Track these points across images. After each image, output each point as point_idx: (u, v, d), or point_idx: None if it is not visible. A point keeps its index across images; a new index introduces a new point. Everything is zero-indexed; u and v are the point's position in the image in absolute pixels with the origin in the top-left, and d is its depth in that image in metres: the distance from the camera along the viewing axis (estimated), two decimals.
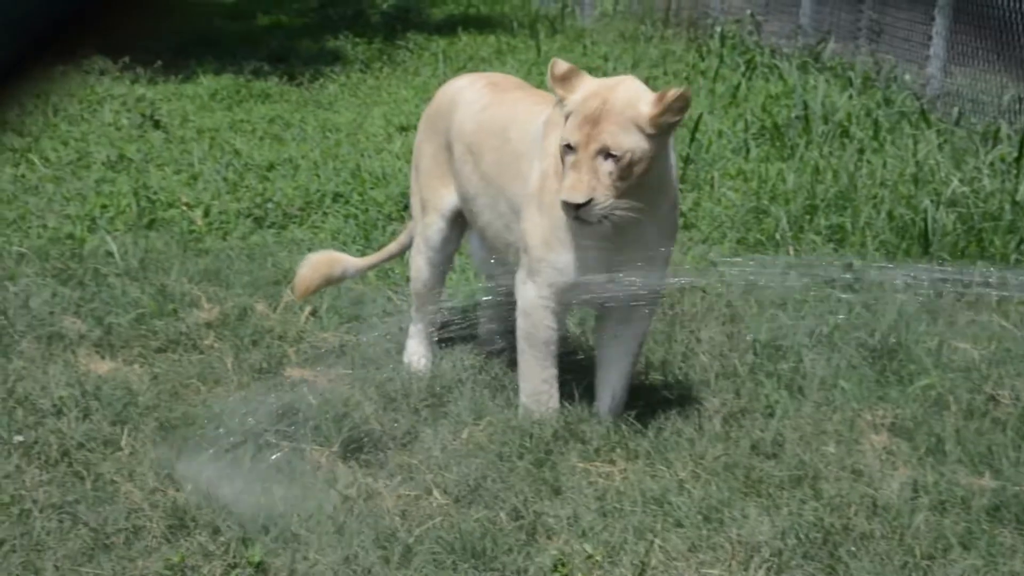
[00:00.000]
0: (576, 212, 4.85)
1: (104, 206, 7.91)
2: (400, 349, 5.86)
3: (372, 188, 8.15)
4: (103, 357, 5.77)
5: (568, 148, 4.90)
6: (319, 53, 14.42)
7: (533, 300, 5.19)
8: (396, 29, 15.69)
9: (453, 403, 5.37)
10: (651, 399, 5.50)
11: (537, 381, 5.26)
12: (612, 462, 5.04)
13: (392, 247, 6.17)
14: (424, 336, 5.89)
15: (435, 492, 4.79)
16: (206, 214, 7.82)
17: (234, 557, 4.31)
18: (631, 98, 4.94)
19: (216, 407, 5.21)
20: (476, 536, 4.47)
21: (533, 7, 17.46)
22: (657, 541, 4.48)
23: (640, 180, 4.91)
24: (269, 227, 7.60)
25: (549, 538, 4.53)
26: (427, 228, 5.79)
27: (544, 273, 5.15)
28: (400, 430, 5.16)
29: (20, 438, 4.95)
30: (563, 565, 4.34)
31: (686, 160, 9.01)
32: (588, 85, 5.01)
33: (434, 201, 5.77)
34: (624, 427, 5.21)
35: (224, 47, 14.30)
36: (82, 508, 4.51)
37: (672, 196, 5.20)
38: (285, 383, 5.49)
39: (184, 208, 7.92)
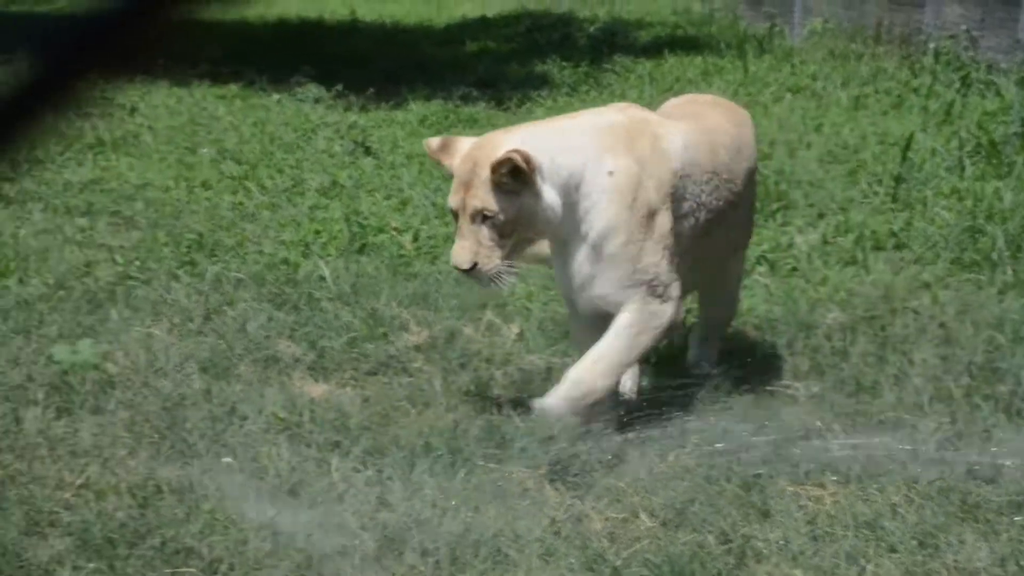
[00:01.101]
0: (466, 276, 5.00)
1: (317, 232, 8.09)
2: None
3: None
4: (316, 380, 5.90)
5: (452, 213, 5.05)
6: (526, 77, 14.53)
7: None
8: (603, 52, 15.73)
9: (659, 426, 5.35)
10: (862, 422, 5.40)
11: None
12: (822, 485, 4.97)
13: None
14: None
15: (642, 515, 4.78)
16: (415, 239, 7.95)
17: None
18: (492, 157, 4.95)
19: (425, 429, 5.27)
20: (684, 559, 4.45)
21: (741, 27, 17.34)
22: (870, 567, 4.40)
23: (528, 233, 5.04)
24: None
25: (758, 562, 4.49)
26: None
27: None
28: (607, 453, 5.16)
29: (228, 459, 5.08)
30: None
31: (897, 179, 8.85)
32: (463, 148, 5.09)
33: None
34: (835, 450, 5.13)
35: (433, 73, 14.52)
36: (292, 529, 4.61)
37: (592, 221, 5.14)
38: (492, 405, 5.54)
39: (394, 233, 8.06)
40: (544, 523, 4.69)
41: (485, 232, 4.95)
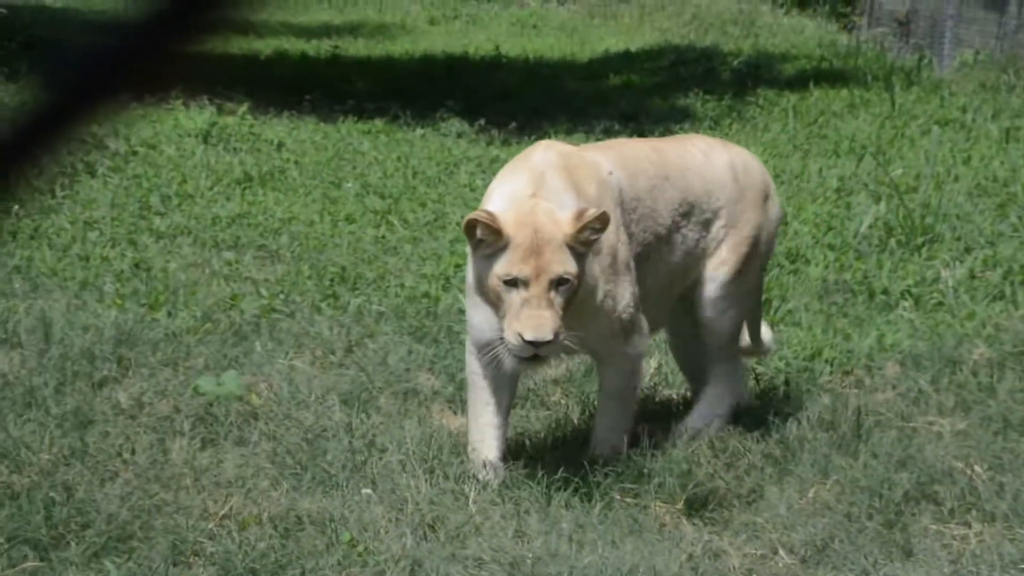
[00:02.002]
0: (538, 350, 4.67)
1: (458, 265, 8.15)
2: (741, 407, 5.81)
3: None
4: (455, 413, 5.94)
5: (512, 283, 4.72)
6: (669, 111, 14.52)
7: (467, 346, 5.30)
8: (746, 85, 15.65)
9: (798, 461, 5.30)
10: (1007, 459, 5.29)
11: (474, 424, 5.28)
12: (967, 524, 4.88)
13: None
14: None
15: (781, 552, 4.73)
16: None
17: None
18: (553, 219, 4.78)
19: (562, 462, 5.28)
20: None
21: (888, 59, 17.13)
22: None
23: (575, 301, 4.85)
24: None
25: None
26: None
27: (468, 326, 5.25)
28: (745, 488, 5.13)
29: (368, 491, 5.14)
30: None
31: None
32: (506, 218, 4.77)
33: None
34: (980, 488, 5.04)
35: (576, 107, 14.57)
36: (429, 561, 4.65)
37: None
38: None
39: None
40: (681, 559, 4.67)
41: (559, 300, 4.72)
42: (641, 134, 13.06)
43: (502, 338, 4.76)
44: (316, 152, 11.28)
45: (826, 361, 6.25)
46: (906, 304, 7.16)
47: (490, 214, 4.76)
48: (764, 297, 7.04)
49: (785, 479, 5.20)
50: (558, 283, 4.70)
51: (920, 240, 8.21)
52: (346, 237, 8.68)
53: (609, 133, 13.18)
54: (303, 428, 5.63)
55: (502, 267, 4.73)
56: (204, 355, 6.37)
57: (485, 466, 5.16)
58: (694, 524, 4.95)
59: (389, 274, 8.03)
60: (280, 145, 11.29)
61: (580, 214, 4.77)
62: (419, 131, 12.50)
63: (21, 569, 4.65)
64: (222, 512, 5.01)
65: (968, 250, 8.16)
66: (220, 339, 6.58)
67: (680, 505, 5.03)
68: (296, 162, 10.79)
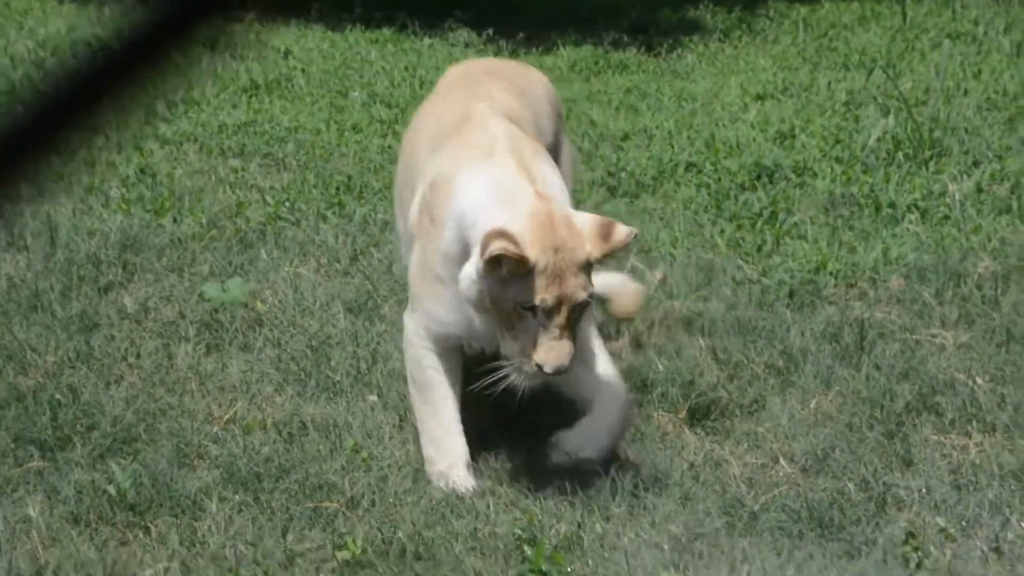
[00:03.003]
0: (552, 375, 4.32)
1: None
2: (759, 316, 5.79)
3: (726, 158, 8.12)
4: None
5: (530, 310, 4.27)
6: (678, 23, 14.40)
7: (410, 337, 4.71)
8: None
9: (800, 372, 5.32)
10: (1009, 371, 5.30)
11: (431, 426, 4.69)
12: (967, 435, 4.90)
13: None
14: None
15: (782, 461, 4.77)
16: None
17: (581, 516, 4.40)
18: (577, 236, 4.32)
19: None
20: (823, 506, 4.44)
21: None
22: (1014, 517, 4.34)
23: None
24: (622, 196, 7.66)
25: (899, 510, 4.46)
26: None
27: (420, 314, 4.66)
28: (747, 399, 5.15)
29: (373, 398, 5.14)
30: (914, 537, 4.26)
31: None
32: (526, 239, 4.24)
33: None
34: (982, 399, 5.06)
35: (585, 19, 14.46)
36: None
37: None
38: (632, 350, 5.54)
39: None
40: (683, 467, 4.71)
41: (575, 323, 4.36)
42: (650, 47, 13.00)
43: (506, 356, 4.36)
44: (323, 61, 11.21)
45: (831, 274, 6.24)
46: (912, 217, 7.14)
47: (515, 243, 4.22)
48: (771, 209, 7.04)
49: (787, 390, 5.22)
50: (579, 307, 4.33)
51: (928, 154, 8.17)
52: (352, 146, 8.65)
53: (618, 45, 13.10)
54: (308, 335, 5.66)
55: (522, 295, 4.26)
56: (209, 261, 6.38)
57: (465, 468, 4.66)
58: (696, 433, 4.98)
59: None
60: (287, 53, 11.22)
61: (607, 233, 4.36)
62: (427, 41, 12.41)
63: (27, 469, 4.70)
64: (226, 416, 5.05)
65: (976, 164, 8.11)
66: (225, 246, 6.58)
67: (682, 415, 5.06)
68: (303, 70, 10.73)
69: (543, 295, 4.25)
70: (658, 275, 6.30)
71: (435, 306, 4.61)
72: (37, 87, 1.35)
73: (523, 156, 4.58)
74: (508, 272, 4.24)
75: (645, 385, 5.21)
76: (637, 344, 5.56)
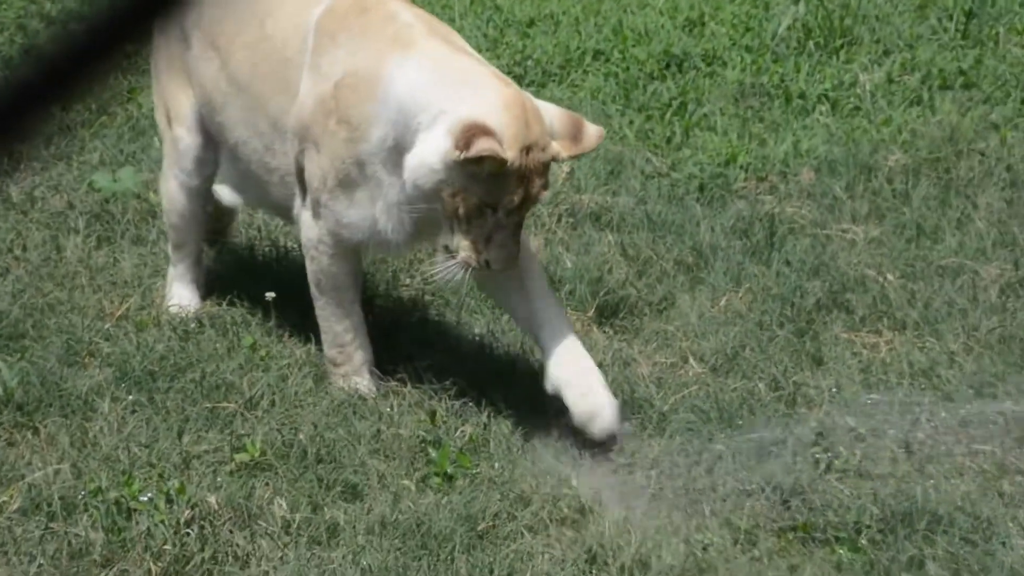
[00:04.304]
0: (499, 271, 4.28)
1: None
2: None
3: (634, 46, 8.02)
4: None
5: (485, 208, 4.17)
6: None
7: (315, 242, 4.55)
8: None
9: (710, 269, 5.29)
10: (920, 267, 5.31)
11: (338, 331, 4.61)
12: (878, 332, 4.91)
13: None
14: (190, 279, 5.07)
15: (691, 360, 4.75)
16: None
17: (487, 417, 4.36)
18: (544, 130, 4.22)
19: None
20: (733, 406, 4.46)
21: None
22: (923, 416, 4.36)
23: None
24: (528, 85, 7.56)
25: (809, 409, 4.46)
26: (175, 144, 4.99)
27: (327, 219, 4.49)
28: (656, 296, 5.12)
29: (271, 294, 5.05)
30: (823, 437, 4.28)
31: (968, 14, 8.61)
32: (505, 134, 4.10)
33: (178, 108, 4.95)
34: (892, 296, 5.06)
35: None
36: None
37: None
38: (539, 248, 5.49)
39: None
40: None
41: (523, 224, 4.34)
42: None
43: (448, 250, 4.26)
44: None
45: (741, 167, 6.20)
46: (823, 109, 7.10)
47: (499, 142, 4.08)
48: (681, 100, 6.98)
49: (697, 287, 5.20)
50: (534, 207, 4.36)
51: (839, 43, 8.12)
52: None
53: None
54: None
55: (491, 194, 4.15)
56: (99, 149, 6.20)
57: (369, 373, 4.62)
58: (604, 332, 4.96)
59: None
60: None
61: (576, 134, 4.30)
62: None
63: None
64: (119, 312, 4.94)
65: (887, 53, 8.09)
66: (116, 133, 6.39)
67: (591, 313, 5.03)
68: None
69: (511, 196, 4.15)
70: (565, 168, 6.20)
71: (345, 211, 4.45)
72: None
73: (451, 40, 4.45)
74: (484, 171, 4.11)
75: (553, 282, 5.14)
76: (545, 240, 5.50)
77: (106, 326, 4.85)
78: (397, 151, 4.28)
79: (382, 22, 4.44)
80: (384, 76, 4.30)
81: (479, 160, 4.07)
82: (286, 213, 4.78)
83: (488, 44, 8.34)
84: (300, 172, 4.52)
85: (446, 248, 4.28)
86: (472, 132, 4.08)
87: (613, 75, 7.64)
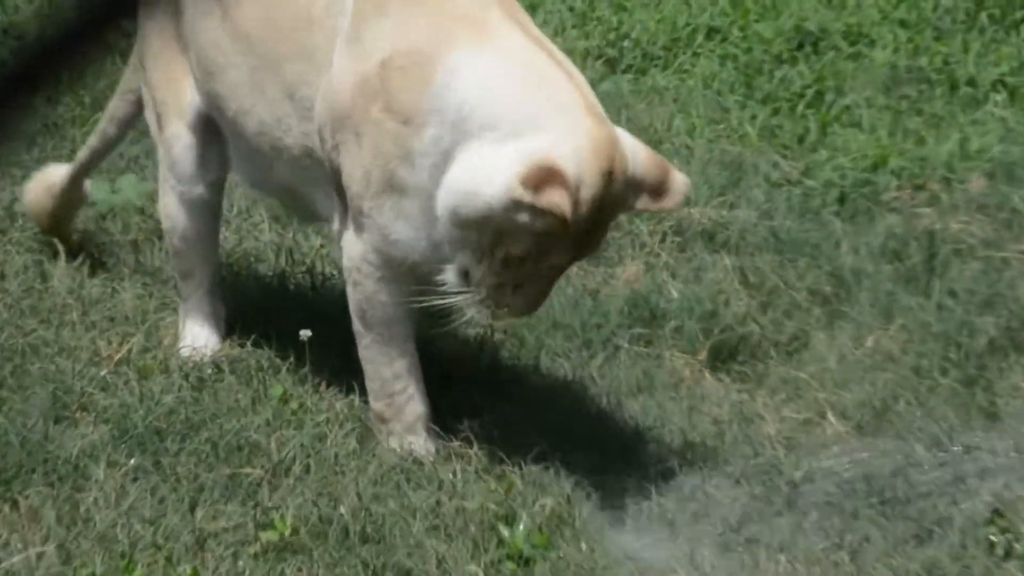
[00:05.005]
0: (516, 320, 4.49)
1: None
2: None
3: (757, 21, 8.03)
4: None
5: (527, 258, 4.20)
6: None
7: (359, 263, 4.54)
8: None
9: (853, 301, 5.30)
10: None
11: (386, 376, 4.60)
12: None
13: (92, 140, 5.55)
14: (204, 314, 5.09)
15: (830, 416, 4.76)
16: None
17: (571, 487, 4.38)
18: (626, 184, 4.25)
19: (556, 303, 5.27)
20: (884, 474, 4.43)
21: None
22: None
23: None
24: (624, 71, 7.59)
25: (982, 480, 4.45)
26: (169, 147, 5.01)
27: (371, 234, 4.48)
28: (785, 335, 5.15)
29: (307, 332, 5.09)
30: (1001, 516, 4.26)
31: None
32: (590, 187, 4.14)
33: (173, 100, 4.99)
34: None
35: None
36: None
37: None
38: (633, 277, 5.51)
39: None
40: (704, 424, 4.69)
41: None
42: None
43: (466, 276, 4.30)
44: None
45: (892, 172, 6.19)
46: (998, 98, 7.08)
47: (573, 195, 4.10)
48: (816, 88, 6.98)
49: (837, 323, 5.22)
50: None
51: (1019, 15, 8.11)
52: None
53: None
54: (223, 251, 5.57)
55: (544, 247, 4.19)
56: None
57: (426, 428, 4.63)
58: (719, 379, 4.98)
59: None
60: None
61: (661, 188, 4.33)
62: None
63: None
64: (118, 356, 4.99)
65: None
66: None
67: (703, 356, 5.05)
68: None
69: (566, 255, 4.24)
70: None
71: (393, 222, 4.43)
72: None
73: (528, 28, 4.44)
74: (543, 224, 4.12)
75: (655, 317, 5.18)
76: (645, 264, 5.52)
77: (102, 373, 4.90)
78: (448, 157, 4.28)
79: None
80: (447, 63, 4.30)
81: (542, 211, 4.08)
82: (296, 204, 4.84)
83: (575, 20, 8.37)
84: (336, 175, 4.51)
85: (464, 274, 4.30)
86: (547, 177, 4.09)
87: (731, 58, 7.65)
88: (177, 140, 4.96)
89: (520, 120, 4.22)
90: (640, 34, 7.94)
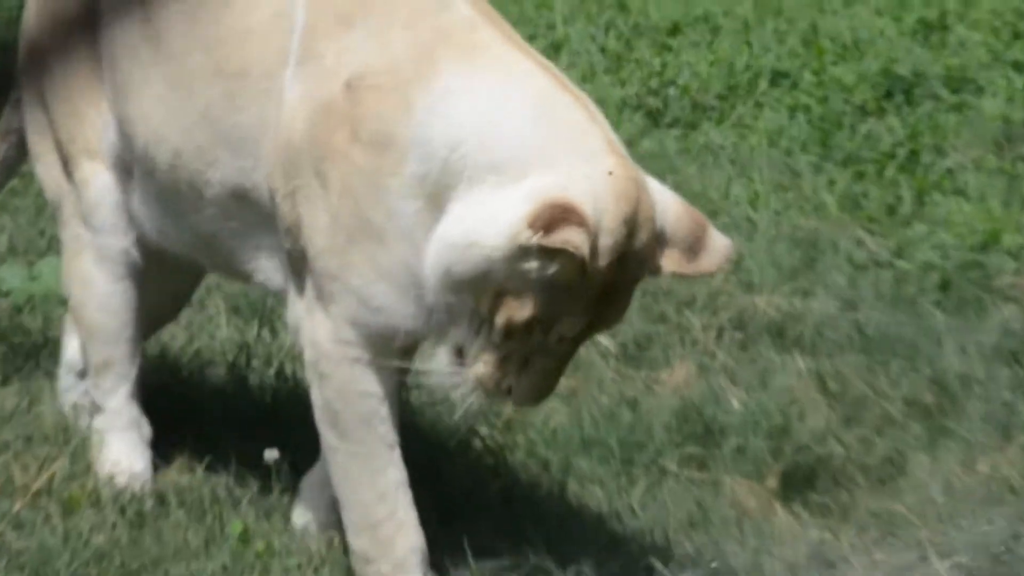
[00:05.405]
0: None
1: None
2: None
3: (835, 63, 8.11)
4: None
5: (535, 325, 4.18)
6: None
7: (327, 346, 4.45)
8: None
9: (961, 414, 5.30)
10: None
11: (367, 500, 4.51)
12: None
13: None
14: (128, 422, 5.06)
15: (933, 559, 4.71)
16: None
17: None
18: (655, 239, 4.25)
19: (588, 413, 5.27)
20: None
21: None
22: None
23: None
24: (670, 126, 7.64)
25: None
26: (80, 194, 5.01)
27: (342, 303, 4.40)
28: (876, 457, 5.15)
29: (272, 452, 5.08)
30: None
31: None
32: (612, 232, 4.13)
33: (82, 136, 4.98)
34: None
35: None
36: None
37: None
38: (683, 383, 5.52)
39: None
40: (774, 568, 4.67)
41: None
42: None
43: (460, 354, 4.28)
44: None
45: (1008, 253, 6.21)
46: None
47: (591, 236, 4.08)
48: (910, 147, 7.02)
49: (941, 442, 5.22)
50: None
51: None
52: None
53: None
54: (169, 353, 5.62)
55: (549, 308, 4.16)
56: (8, 230, 6.31)
57: (420, 568, 4.53)
58: (793, 512, 4.98)
59: None
60: None
61: (696, 246, 4.33)
62: None
63: None
64: (36, 486, 4.98)
65: None
66: (35, 206, 6.51)
67: (772, 482, 5.06)
68: None
69: (576, 318, 4.17)
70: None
71: (372, 284, 4.35)
72: None
73: (528, 49, 4.39)
74: (554, 273, 4.09)
75: (710, 433, 5.17)
76: (698, 366, 5.52)
77: (16, 507, 4.88)
78: (436, 202, 4.23)
79: (428, 5, 4.40)
80: (435, 85, 4.26)
81: (554, 254, 4.02)
82: (215, 260, 4.79)
83: (608, 63, 8.43)
84: (294, 234, 4.43)
85: (458, 351, 4.25)
86: (560, 215, 4.02)
87: (802, 108, 7.70)
88: (91, 181, 4.94)
89: (528, 159, 4.15)
90: (689, 80, 8.00)
